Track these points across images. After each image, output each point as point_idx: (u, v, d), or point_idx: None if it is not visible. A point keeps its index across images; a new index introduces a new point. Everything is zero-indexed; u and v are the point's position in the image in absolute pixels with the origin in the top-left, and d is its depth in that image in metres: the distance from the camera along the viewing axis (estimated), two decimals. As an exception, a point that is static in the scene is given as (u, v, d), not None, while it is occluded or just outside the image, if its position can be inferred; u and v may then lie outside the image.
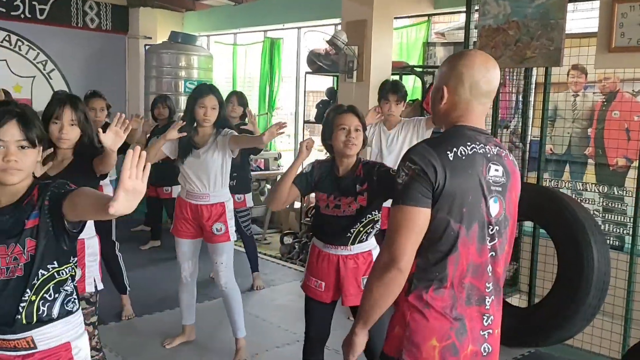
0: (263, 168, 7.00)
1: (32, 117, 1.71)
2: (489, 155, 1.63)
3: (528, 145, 4.87)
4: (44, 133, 1.76)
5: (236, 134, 3.37)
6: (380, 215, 2.66)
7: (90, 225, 2.64)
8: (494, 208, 1.62)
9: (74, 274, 1.79)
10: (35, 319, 1.69)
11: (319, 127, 5.93)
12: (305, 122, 6.38)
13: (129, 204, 1.37)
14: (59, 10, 7.63)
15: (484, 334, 1.65)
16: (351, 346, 1.72)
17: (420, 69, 5.61)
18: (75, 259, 1.80)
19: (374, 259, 2.71)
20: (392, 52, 5.27)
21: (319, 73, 5.70)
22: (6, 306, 1.67)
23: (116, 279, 4.17)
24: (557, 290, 3.71)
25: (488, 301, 1.64)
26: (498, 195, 1.63)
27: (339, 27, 5.28)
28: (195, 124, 3.33)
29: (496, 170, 1.63)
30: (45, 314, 1.71)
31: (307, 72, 6.14)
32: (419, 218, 1.54)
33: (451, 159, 1.56)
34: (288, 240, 6.07)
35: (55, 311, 1.73)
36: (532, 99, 4.80)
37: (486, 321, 1.65)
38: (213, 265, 3.47)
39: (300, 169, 2.68)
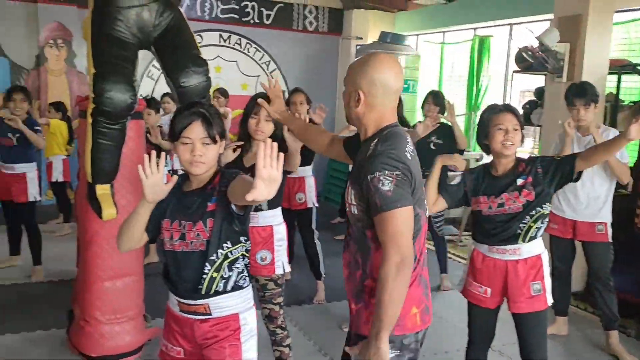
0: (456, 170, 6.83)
1: (214, 116, 1.94)
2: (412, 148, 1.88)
3: None
4: (224, 129, 1.99)
5: None
6: (550, 208, 2.54)
7: (277, 213, 2.90)
8: None
9: (245, 253, 2.00)
10: (212, 291, 1.94)
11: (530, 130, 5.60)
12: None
13: (267, 191, 1.50)
14: (283, 15, 8.37)
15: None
16: (379, 356, 1.65)
17: (646, 67, 5.00)
18: (247, 240, 2.00)
19: (544, 263, 2.60)
20: (610, 50, 4.79)
21: (526, 72, 5.40)
22: (189, 276, 1.94)
23: (313, 265, 4.47)
24: None
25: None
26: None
27: (550, 24, 4.95)
28: None
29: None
30: (221, 288, 1.95)
31: (514, 71, 5.86)
32: (411, 216, 1.74)
33: (410, 158, 1.79)
34: (483, 244, 5.88)
35: (230, 286, 1.96)
36: None
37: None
38: None
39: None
